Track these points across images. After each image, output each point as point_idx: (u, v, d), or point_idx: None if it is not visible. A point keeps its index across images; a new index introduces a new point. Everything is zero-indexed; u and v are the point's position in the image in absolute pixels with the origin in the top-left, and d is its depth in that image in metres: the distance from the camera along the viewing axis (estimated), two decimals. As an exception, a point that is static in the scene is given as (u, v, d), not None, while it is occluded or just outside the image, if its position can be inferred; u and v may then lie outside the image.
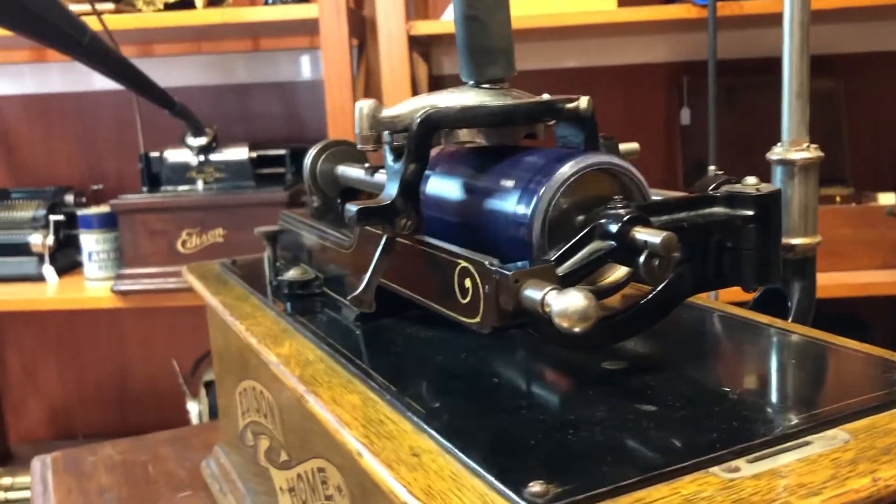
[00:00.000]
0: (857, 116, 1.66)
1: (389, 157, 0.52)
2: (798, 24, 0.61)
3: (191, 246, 1.49)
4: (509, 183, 0.49)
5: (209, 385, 1.53)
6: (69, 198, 1.68)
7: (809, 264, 0.64)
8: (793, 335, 0.55)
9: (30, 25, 1.14)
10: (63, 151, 1.84)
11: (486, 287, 0.44)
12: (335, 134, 1.43)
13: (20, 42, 1.54)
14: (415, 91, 1.52)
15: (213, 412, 1.50)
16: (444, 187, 0.56)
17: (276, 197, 1.46)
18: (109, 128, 1.82)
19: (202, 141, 1.53)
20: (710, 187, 0.48)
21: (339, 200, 0.76)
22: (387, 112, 0.51)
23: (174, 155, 1.54)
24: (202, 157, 1.53)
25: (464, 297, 0.46)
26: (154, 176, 1.55)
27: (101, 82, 1.68)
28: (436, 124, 0.50)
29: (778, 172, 0.64)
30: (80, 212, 1.58)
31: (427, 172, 0.56)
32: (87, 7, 1.36)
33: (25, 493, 1.63)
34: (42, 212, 1.61)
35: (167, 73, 1.70)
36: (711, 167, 1.18)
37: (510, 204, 0.48)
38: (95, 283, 1.55)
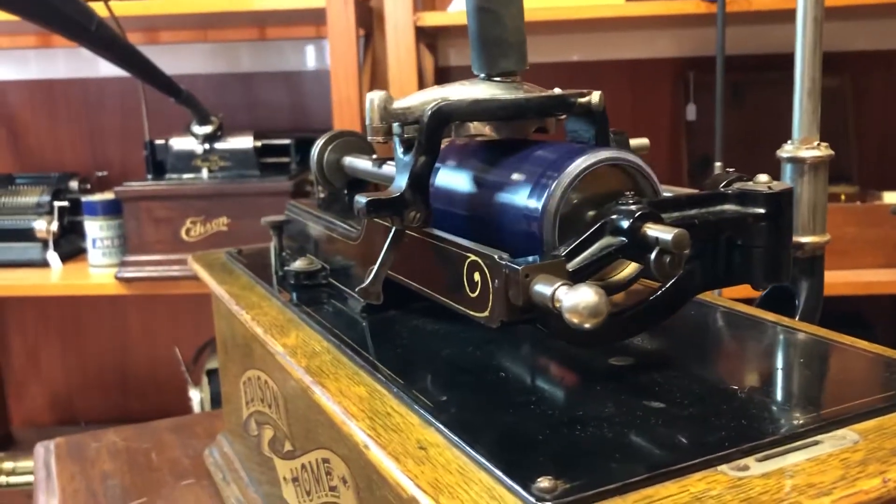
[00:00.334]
0: (863, 114, 1.66)
1: (399, 150, 0.52)
2: (811, 21, 0.61)
3: (195, 234, 1.49)
4: (520, 177, 0.49)
5: (211, 373, 1.53)
6: (74, 184, 1.68)
7: (818, 263, 0.64)
8: (800, 334, 0.54)
9: (37, 11, 1.13)
10: (68, 138, 1.84)
11: (496, 281, 0.44)
12: (340, 124, 1.43)
13: (26, 27, 1.54)
14: (421, 82, 1.51)
15: (215, 400, 1.51)
16: (453, 180, 0.56)
17: (280, 186, 1.46)
18: (115, 114, 1.82)
19: (207, 129, 1.52)
20: (722, 184, 0.48)
21: (345, 191, 0.76)
22: (398, 104, 0.51)
23: (179, 143, 1.54)
24: (207, 146, 1.53)
25: (473, 290, 0.46)
26: (159, 163, 1.55)
27: (107, 69, 1.68)
28: (447, 117, 0.50)
29: (787, 170, 0.63)
30: (85, 198, 1.58)
31: (437, 165, 0.56)
32: (94, -7, 1.36)
33: (27, 478, 1.63)
34: (46, 198, 1.61)
35: (173, 60, 1.69)
36: (718, 164, 1.18)
37: (521, 198, 0.48)
38: (99, 270, 1.55)
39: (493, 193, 0.51)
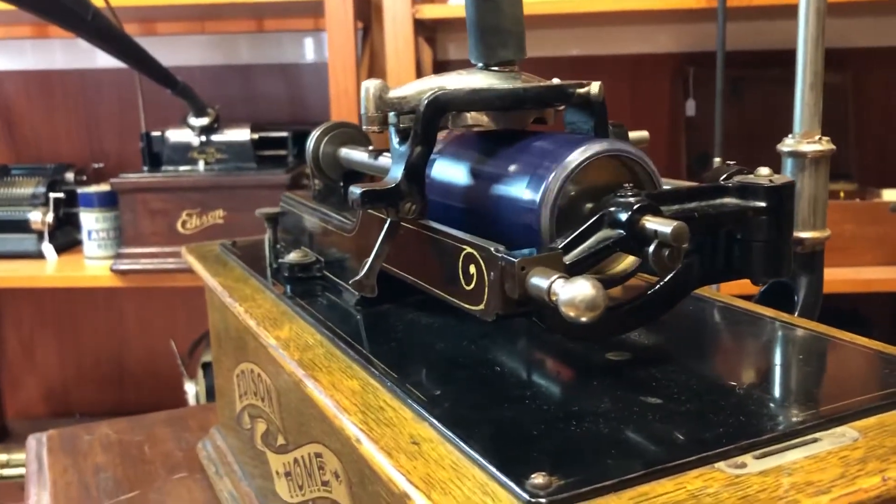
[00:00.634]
0: (864, 112, 1.65)
1: (395, 140, 0.51)
2: (814, 13, 0.60)
3: (191, 226, 1.48)
4: (517, 168, 0.48)
5: (207, 366, 1.52)
6: (70, 175, 1.67)
7: (818, 258, 0.63)
8: (799, 330, 0.54)
9: (33, 1, 1.13)
10: (64, 128, 1.83)
11: (492, 274, 0.43)
12: (338, 117, 1.42)
13: (23, 17, 1.53)
14: (419, 76, 1.50)
15: (211, 393, 1.50)
16: (450, 171, 0.55)
17: (277, 179, 1.45)
18: (111, 106, 1.81)
19: (204, 121, 1.52)
20: (722, 177, 0.47)
21: (341, 183, 0.76)
22: (393, 93, 0.50)
23: (176, 135, 1.53)
24: (204, 138, 1.52)
25: (468, 283, 0.46)
26: (155, 155, 1.54)
27: (104, 59, 1.67)
28: (443, 106, 0.49)
29: (788, 164, 0.63)
30: (81, 190, 1.57)
31: (433, 156, 0.55)
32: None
33: (21, 470, 1.62)
34: (42, 189, 1.60)
35: (170, 52, 1.68)
36: (717, 159, 1.17)
37: (518, 190, 0.47)
38: (95, 262, 1.54)
39: (489, 185, 0.50)
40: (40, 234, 1.57)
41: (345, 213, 0.66)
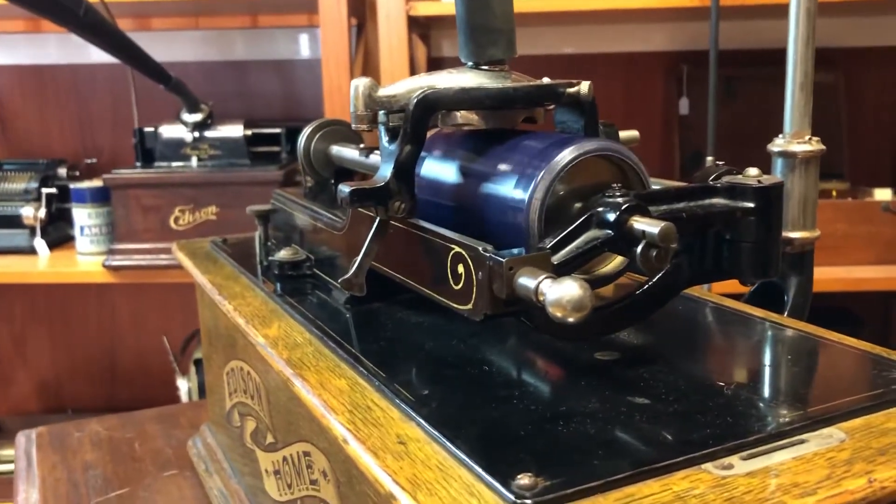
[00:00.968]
0: (855, 111, 1.66)
1: (384, 138, 0.51)
2: (804, 13, 0.60)
3: (183, 223, 1.47)
4: (506, 167, 0.48)
5: (199, 363, 1.52)
6: (62, 171, 1.66)
7: (807, 258, 0.63)
8: (788, 330, 0.54)
9: (24, -5, 1.12)
10: (57, 124, 1.82)
11: (480, 273, 0.43)
12: (332, 114, 1.42)
13: (15, 12, 1.52)
14: (413, 73, 1.50)
15: (203, 390, 1.50)
16: (439, 170, 0.55)
17: (270, 175, 1.45)
18: (105, 101, 1.80)
19: (197, 117, 1.51)
20: (711, 177, 0.47)
21: (332, 181, 0.75)
22: (383, 91, 0.50)
23: (169, 130, 1.53)
24: (197, 134, 1.52)
25: (456, 283, 0.46)
26: (148, 151, 1.54)
27: (98, 55, 1.66)
28: (433, 105, 0.49)
29: (779, 164, 0.63)
30: (73, 185, 1.56)
31: (423, 154, 0.55)
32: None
33: (11, 466, 1.62)
34: (34, 184, 1.59)
35: (164, 47, 1.67)
36: (709, 158, 1.17)
37: (507, 189, 0.47)
38: (87, 258, 1.54)
39: (478, 184, 0.50)
40: (32, 230, 1.57)
41: (335, 210, 0.65)
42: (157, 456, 0.85)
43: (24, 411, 1.91)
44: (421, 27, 1.63)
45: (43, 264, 1.53)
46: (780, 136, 0.63)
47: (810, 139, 0.62)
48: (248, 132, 1.53)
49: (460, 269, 0.45)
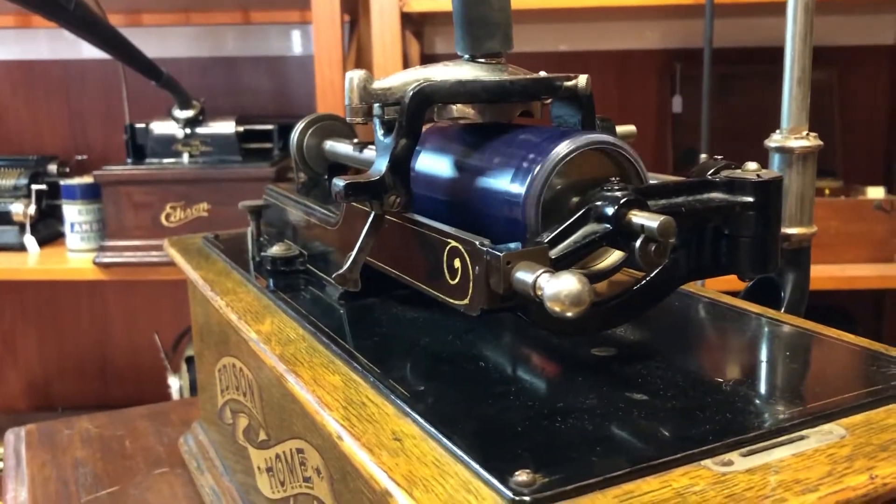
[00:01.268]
0: (849, 109, 1.66)
1: (379, 132, 0.50)
2: (802, 9, 0.60)
3: (175, 219, 1.46)
4: (503, 161, 0.48)
5: (191, 360, 1.51)
6: (52, 167, 1.65)
7: (804, 255, 0.63)
8: (786, 326, 0.54)
9: (13, -12, 1.11)
10: (48, 120, 1.81)
11: (476, 268, 0.42)
12: (324, 110, 1.41)
13: (5, 6, 1.50)
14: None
15: (194, 387, 1.49)
16: (435, 164, 0.54)
17: (262, 172, 1.44)
18: (96, 97, 1.79)
19: (189, 113, 1.50)
20: (710, 172, 0.46)
21: (325, 176, 0.75)
22: (378, 84, 0.49)
23: (160, 127, 1.52)
24: (188, 130, 1.51)
25: (453, 277, 0.45)
26: (139, 147, 1.53)
27: (89, 50, 1.65)
28: (429, 98, 0.48)
29: (776, 160, 0.62)
30: (64, 182, 1.55)
31: (418, 148, 0.54)
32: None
33: (2, 464, 1.61)
34: (24, 180, 1.58)
35: (155, 43, 1.66)
36: (703, 156, 1.17)
37: (503, 183, 0.46)
38: (77, 255, 1.53)
39: (475, 178, 0.49)
40: (22, 226, 1.55)
41: (329, 206, 0.65)
42: (149, 453, 0.84)
43: (13, 409, 1.90)
44: (414, 24, 1.62)
45: (33, 261, 1.52)
46: (778, 131, 0.62)
47: (808, 135, 0.61)
48: (240, 129, 1.52)
49: (457, 263, 0.44)
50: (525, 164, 0.46)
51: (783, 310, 0.62)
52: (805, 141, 0.61)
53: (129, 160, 1.52)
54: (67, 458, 0.83)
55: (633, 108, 1.73)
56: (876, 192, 1.49)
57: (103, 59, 1.62)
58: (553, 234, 0.42)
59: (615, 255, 0.47)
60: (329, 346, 0.51)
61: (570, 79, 0.50)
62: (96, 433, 0.89)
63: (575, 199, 0.46)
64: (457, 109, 0.51)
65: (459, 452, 0.37)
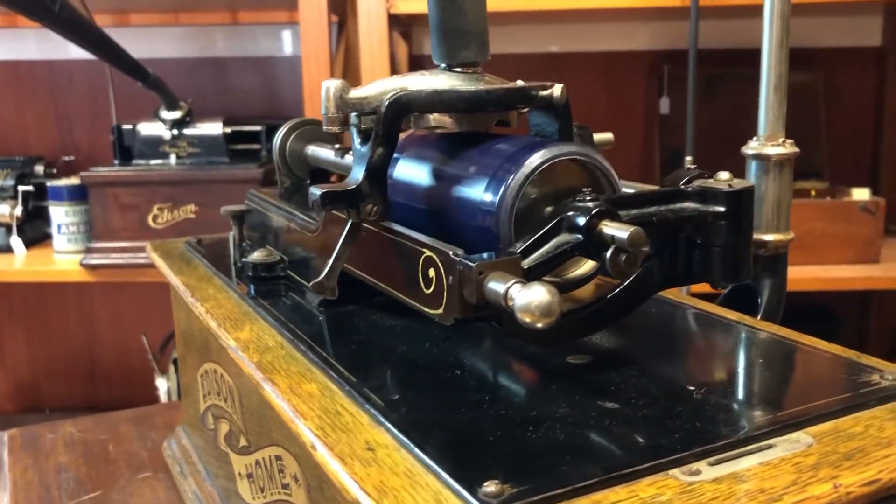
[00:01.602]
0: (835, 111, 1.66)
1: (356, 140, 0.51)
2: (778, 16, 0.60)
3: (162, 221, 1.46)
4: (477, 170, 0.48)
5: (178, 362, 1.51)
6: (39, 168, 1.64)
7: (781, 261, 0.63)
8: (761, 333, 0.54)
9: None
10: (34, 120, 1.80)
11: (450, 278, 0.43)
12: (312, 111, 1.41)
13: (-10, 7, 1.50)
14: (394, 70, 1.49)
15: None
16: (412, 172, 0.54)
17: (249, 174, 1.44)
18: (83, 97, 1.79)
19: (176, 114, 1.50)
20: (683, 181, 0.47)
21: (308, 181, 0.75)
22: (354, 93, 0.50)
23: (147, 128, 1.51)
24: (175, 131, 1.51)
25: (427, 287, 0.45)
26: (126, 149, 1.52)
27: (76, 51, 1.64)
28: (405, 108, 0.49)
29: (753, 167, 0.63)
30: (50, 183, 1.54)
31: (396, 155, 0.55)
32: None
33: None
34: (10, 181, 1.57)
35: (143, 43, 1.66)
36: (688, 158, 1.18)
37: (478, 192, 0.47)
38: (64, 256, 1.52)
39: (450, 187, 0.50)
40: (9, 228, 1.55)
41: (310, 212, 0.65)
42: (132, 458, 0.84)
43: (1, 411, 1.90)
44: (402, 25, 1.62)
45: (19, 263, 1.51)
46: (755, 138, 0.63)
47: (784, 142, 0.62)
48: (228, 130, 1.52)
49: (431, 273, 0.45)
50: (499, 174, 0.46)
51: (760, 316, 0.63)
52: (781, 148, 0.61)
53: (116, 161, 1.51)
54: (50, 462, 0.83)
55: (621, 110, 1.73)
56: (861, 194, 1.50)
57: (90, 60, 1.61)
58: (526, 245, 0.42)
59: (589, 264, 0.47)
60: (307, 353, 0.51)
61: (545, 88, 0.51)
62: (80, 437, 0.89)
63: (548, 209, 0.46)
64: (434, 118, 0.52)
65: (431, 462, 0.37)
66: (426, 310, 0.46)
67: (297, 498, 0.50)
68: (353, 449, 0.40)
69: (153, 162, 1.51)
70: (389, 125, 0.48)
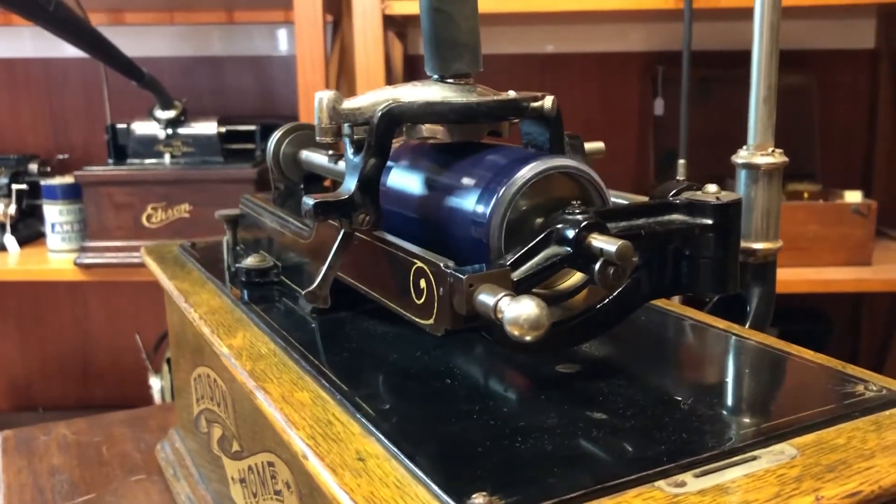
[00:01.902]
0: (828, 113, 1.67)
1: (349, 151, 0.51)
2: (768, 26, 0.61)
3: (156, 220, 1.46)
4: (469, 182, 0.48)
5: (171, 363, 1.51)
6: (33, 167, 1.64)
7: (770, 269, 0.64)
8: (749, 342, 0.55)
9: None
10: (29, 119, 1.80)
11: (441, 289, 0.43)
12: (306, 111, 1.41)
13: (-15, 5, 1.50)
14: (389, 71, 1.50)
15: (175, 389, 1.49)
16: (404, 182, 0.55)
17: (244, 173, 1.44)
18: (78, 96, 1.79)
19: (170, 114, 1.50)
20: (671, 194, 0.47)
21: (301, 186, 0.75)
22: (347, 104, 0.50)
23: (142, 127, 1.51)
24: (170, 131, 1.51)
25: (419, 297, 0.46)
26: (120, 148, 1.52)
27: (71, 49, 1.64)
28: (397, 119, 0.49)
29: (742, 176, 0.63)
30: (44, 181, 1.54)
31: (389, 164, 0.55)
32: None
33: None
34: (4, 180, 1.57)
35: (138, 42, 1.66)
36: (682, 161, 1.18)
37: (469, 203, 0.47)
38: (58, 255, 1.52)
39: (442, 197, 0.50)
40: (2, 226, 1.55)
41: (304, 218, 0.65)
42: (125, 460, 0.85)
43: (-6, 410, 1.90)
44: (397, 25, 1.62)
45: (13, 262, 1.51)
46: (744, 147, 0.63)
47: (773, 151, 0.62)
48: (222, 129, 1.52)
49: (422, 283, 0.45)
50: (491, 186, 0.46)
51: (748, 324, 0.63)
52: (771, 158, 0.62)
53: (111, 160, 1.51)
54: (44, 464, 0.84)
55: (616, 111, 1.74)
56: (854, 196, 1.50)
57: (85, 58, 1.61)
58: (515, 257, 0.43)
59: (579, 275, 0.48)
60: (299, 361, 0.51)
61: (536, 99, 0.51)
62: (73, 439, 0.89)
63: (539, 221, 0.46)
64: (426, 129, 0.52)
65: (420, 474, 0.38)
66: (417, 320, 0.46)
67: (289, 504, 0.50)
68: (343, 459, 0.40)
69: (147, 161, 1.51)
70: (382, 136, 0.49)
